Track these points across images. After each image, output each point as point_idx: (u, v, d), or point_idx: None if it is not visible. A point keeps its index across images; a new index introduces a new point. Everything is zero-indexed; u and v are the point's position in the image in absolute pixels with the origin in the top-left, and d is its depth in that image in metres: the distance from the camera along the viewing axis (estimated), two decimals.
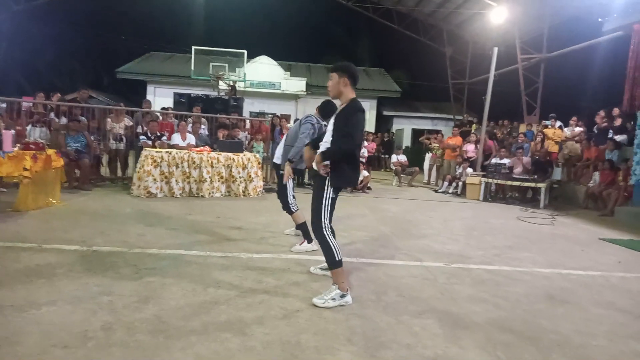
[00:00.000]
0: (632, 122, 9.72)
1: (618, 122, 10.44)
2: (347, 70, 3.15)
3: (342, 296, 3.03)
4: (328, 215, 3.12)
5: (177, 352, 2.26)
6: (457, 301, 3.28)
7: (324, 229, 3.08)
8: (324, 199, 3.09)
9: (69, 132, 7.76)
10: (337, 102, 3.40)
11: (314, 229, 3.15)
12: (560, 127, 11.99)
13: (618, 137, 9.97)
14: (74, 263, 3.55)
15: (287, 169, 4.03)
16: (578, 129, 11.19)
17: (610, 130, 10.35)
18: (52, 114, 8.52)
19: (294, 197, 4.60)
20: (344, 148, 3.00)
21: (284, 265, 3.90)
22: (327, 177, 3.05)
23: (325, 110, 4.36)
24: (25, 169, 5.25)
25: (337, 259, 3.05)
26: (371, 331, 2.67)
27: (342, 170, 3.06)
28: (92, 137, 8.17)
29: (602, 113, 10.89)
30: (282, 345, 2.41)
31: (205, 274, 3.50)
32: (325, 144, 3.13)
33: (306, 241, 4.43)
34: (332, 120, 3.18)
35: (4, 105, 8.28)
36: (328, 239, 3.08)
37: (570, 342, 2.70)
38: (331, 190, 3.10)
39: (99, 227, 4.84)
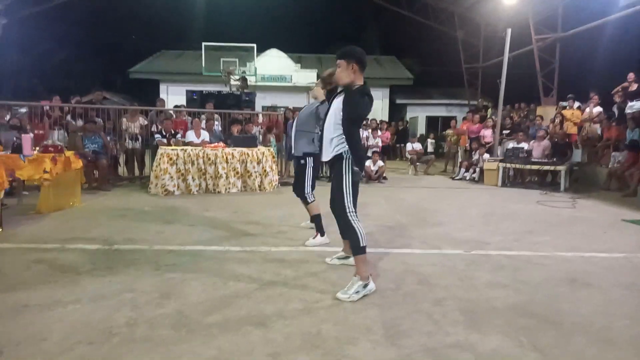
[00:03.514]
0: None
1: (634, 87, 10.13)
2: (354, 55, 2.99)
3: (365, 286, 2.99)
4: (351, 200, 3.05)
5: (200, 346, 2.30)
6: (477, 287, 3.26)
7: (348, 214, 3.02)
8: (344, 183, 3.04)
9: (85, 134, 7.89)
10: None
11: (338, 215, 3.12)
12: (578, 108, 11.70)
13: (633, 104, 9.68)
14: (96, 262, 3.62)
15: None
16: (596, 110, 10.89)
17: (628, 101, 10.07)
18: (68, 117, 8.67)
19: (312, 187, 4.49)
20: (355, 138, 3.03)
21: (302, 258, 3.91)
22: (343, 161, 3.04)
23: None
24: (45, 172, 5.36)
25: (361, 245, 2.99)
26: (391, 320, 2.67)
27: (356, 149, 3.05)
28: (108, 138, 8.31)
29: (619, 89, 10.54)
30: (303, 336, 2.43)
31: (224, 269, 3.54)
32: (333, 125, 3.08)
33: (319, 234, 4.40)
34: (335, 105, 3.11)
35: (25, 109, 8.44)
36: (353, 223, 3.01)
37: (592, 325, 2.66)
38: (350, 173, 3.05)
39: (119, 226, 4.93)
